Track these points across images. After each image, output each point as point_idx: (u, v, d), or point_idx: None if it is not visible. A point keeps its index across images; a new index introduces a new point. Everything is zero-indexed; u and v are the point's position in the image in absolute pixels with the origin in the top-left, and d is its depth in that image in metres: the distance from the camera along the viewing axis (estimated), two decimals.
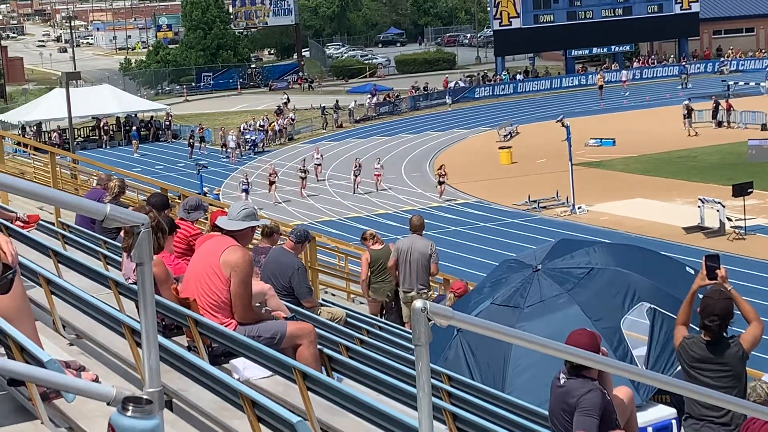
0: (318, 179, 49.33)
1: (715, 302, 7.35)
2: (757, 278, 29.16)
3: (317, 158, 50.47)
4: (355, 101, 74.01)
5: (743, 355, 7.37)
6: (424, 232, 15.68)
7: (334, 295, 19.28)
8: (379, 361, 8.56)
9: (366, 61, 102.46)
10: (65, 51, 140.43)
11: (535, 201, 41.33)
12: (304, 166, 47.19)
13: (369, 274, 15.93)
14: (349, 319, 12.23)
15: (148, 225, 3.41)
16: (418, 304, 3.62)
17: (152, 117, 69.61)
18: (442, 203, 43.68)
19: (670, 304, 10.77)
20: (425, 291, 15.47)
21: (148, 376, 3.43)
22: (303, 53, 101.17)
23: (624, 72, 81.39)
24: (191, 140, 60.11)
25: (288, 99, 75.39)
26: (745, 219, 34.36)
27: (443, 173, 44.52)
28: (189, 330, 7.42)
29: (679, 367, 7.96)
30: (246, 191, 44.11)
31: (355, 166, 47.19)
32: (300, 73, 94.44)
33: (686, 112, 57.00)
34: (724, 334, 7.43)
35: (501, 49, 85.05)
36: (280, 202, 44.61)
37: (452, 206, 43.06)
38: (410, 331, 13.79)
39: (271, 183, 45.60)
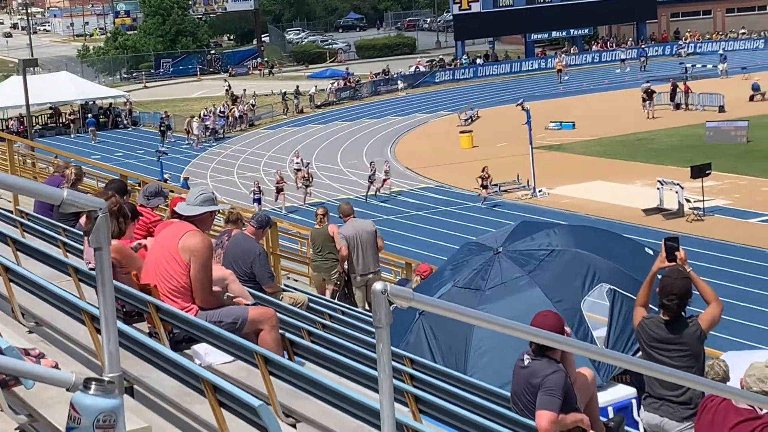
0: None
1: (674, 281, 7.43)
2: (716, 259, 29.42)
3: (297, 163, 45.03)
4: (316, 86, 73.86)
5: (701, 334, 7.44)
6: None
7: (296, 280, 19.26)
8: (341, 345, 8.57)
9: (326, 47, 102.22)
10: (10, 36, 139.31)
11: (496, 185, 41.43)
12: (307, 172, 42.60)
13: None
14: (311, 304, 12.23)
15: (106, 209, 3.39)
16: (378, 286, 3.61)
17: (111, 104, 69.09)
18: (483, 206, 38.94)
19: (630, 285, 10.87)
20: (379, 271, 15.62)
21: (107, 361, 3.42)
22: (263, 39, 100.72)
23: (562, 56, 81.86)
24: (162, 127, 59.52)
25: (230, 86, 74.92)
26: (703, 200, 34.64)
27: (486, 176, 39.46)
28: (150, 316, 7.39)
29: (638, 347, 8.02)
30: (258, 201, 39.33)
31: (372, 172, 42.24)
32: (260, 59, 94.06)
33: (646, 94, 57.40)
34: (683, 313, 7.50)
35: (461, 34, 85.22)
36: (287, 213, 38.78)
37: (415, 191, 43.07)
38: (371, 314, 13.85)
39: (279, 191, 40.54)
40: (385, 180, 42.15)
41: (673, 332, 7.43)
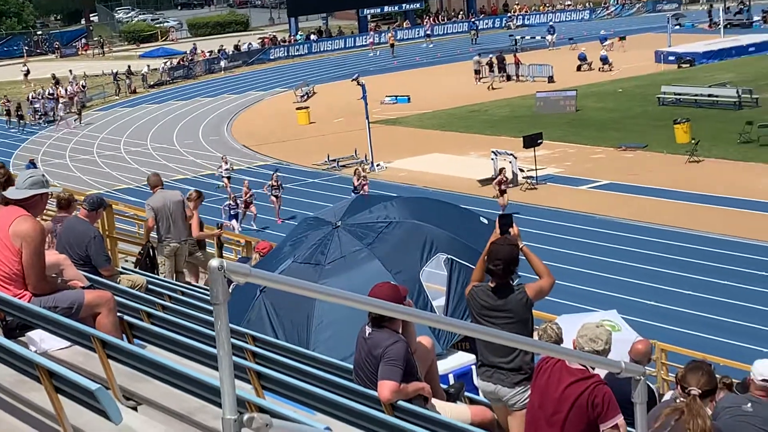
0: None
1: (500, 247, 7.57)
2: (549, 225, 30.20)
3: (226, 169, 38.70)
4: (149, 66, 72.59)
5: (527, 302, 7.55)
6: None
7: (134, 263, 18.95)
8: (181, 326, 8.51)
9: (157, 25, 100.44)
10: None
11: (334, 160, 41.56)
12: (276, 182, 35.19)
13: None
14: (150, 286, 12.07)
15: None
16: (214, 263, 3.60)
17: None
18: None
19: (466, 254, 11.08)
20: (192, 242, 15.66)
21: None
22: (91, 18, 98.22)
23: (371, 34, 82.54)
24: (20, 112, 57.42)
25: (28, 70, 72.80)
26: (536, 169, 35.49)
27: (504, 179, 32.93)
28: None
29: None
30: (236, 217, 33.46)
31: (358, 177, 34.84)
32: (88, 39, 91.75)
33: (488, 65, 58.53)
34: (511, 281, 7.64)
35: (294, 10, 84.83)
36: (260, 230, 32.91)
37: (253, 169, 42.80)
38: (201, 289, 13.81)
39: (248, 205, 34.20)
40: (363, 186, 34.37)
41: (499, 299, 7.54)
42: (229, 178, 37.97)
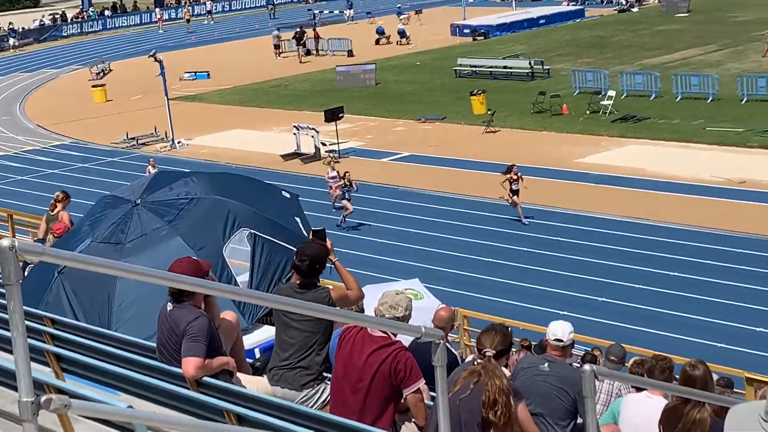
0: None
1: (309, 245, 7.67)
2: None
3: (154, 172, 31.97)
4: None
5: (329, 302, 7.52)
6: None
7: None
8: None
9: None
10: None
11: (133, 138, 40.78)
12: None
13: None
14: None
15: None
16: (5, 242, 3.52)
17: None
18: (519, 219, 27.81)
19: (269, 228, 11.13)
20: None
21: None
22: None
23: (158, 10, 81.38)
24: None
25: None
26: (338, 143, 35.71)
27: (515, 177, 27.54)
28: None
29: None
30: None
31: (347, 184, 29.13)
32: None
33: (278, 42, 58.42)
34: (316, 281, 7.64)
35: None
36: None
37: (48, 149, 41.53)
38: None
39: None
40: (334, 188, 29.92)
41: (303, 296, 7.46)
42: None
